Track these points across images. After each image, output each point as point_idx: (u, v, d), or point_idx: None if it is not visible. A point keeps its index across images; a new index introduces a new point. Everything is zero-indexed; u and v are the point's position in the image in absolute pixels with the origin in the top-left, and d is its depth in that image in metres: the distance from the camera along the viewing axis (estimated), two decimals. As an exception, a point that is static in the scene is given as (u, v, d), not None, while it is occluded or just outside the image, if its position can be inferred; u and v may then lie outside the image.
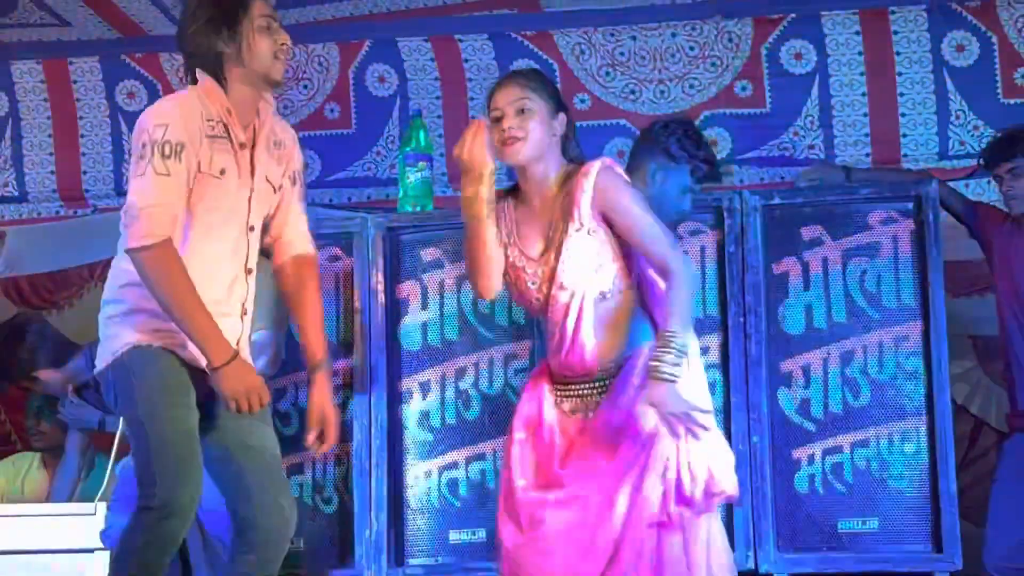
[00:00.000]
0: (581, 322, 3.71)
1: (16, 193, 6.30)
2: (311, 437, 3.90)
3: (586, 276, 3.71)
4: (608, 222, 3.73)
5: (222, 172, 3.70)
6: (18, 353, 5.81)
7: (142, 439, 3.69)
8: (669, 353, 3.55)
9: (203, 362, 3.67)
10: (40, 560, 4.84)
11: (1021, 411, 4.86)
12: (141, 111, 5.89)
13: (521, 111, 3.81)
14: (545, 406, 3.77)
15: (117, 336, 3.74)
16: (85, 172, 6.28)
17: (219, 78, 3.74)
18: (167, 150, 3.57)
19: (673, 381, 3.53)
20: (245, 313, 3.83)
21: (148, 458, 3.66)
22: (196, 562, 4.73)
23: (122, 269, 3.72)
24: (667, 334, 3.58)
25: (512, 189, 3.87)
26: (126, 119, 6.18)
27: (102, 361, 3.78)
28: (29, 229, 6.26)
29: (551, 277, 3.74)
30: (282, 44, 3.78)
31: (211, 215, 3.73)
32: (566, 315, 3.72)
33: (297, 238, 3.96)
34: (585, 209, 3.71)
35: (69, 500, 5.42)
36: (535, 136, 3.80)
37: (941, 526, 4.64)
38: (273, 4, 3.85)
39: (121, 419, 3.91)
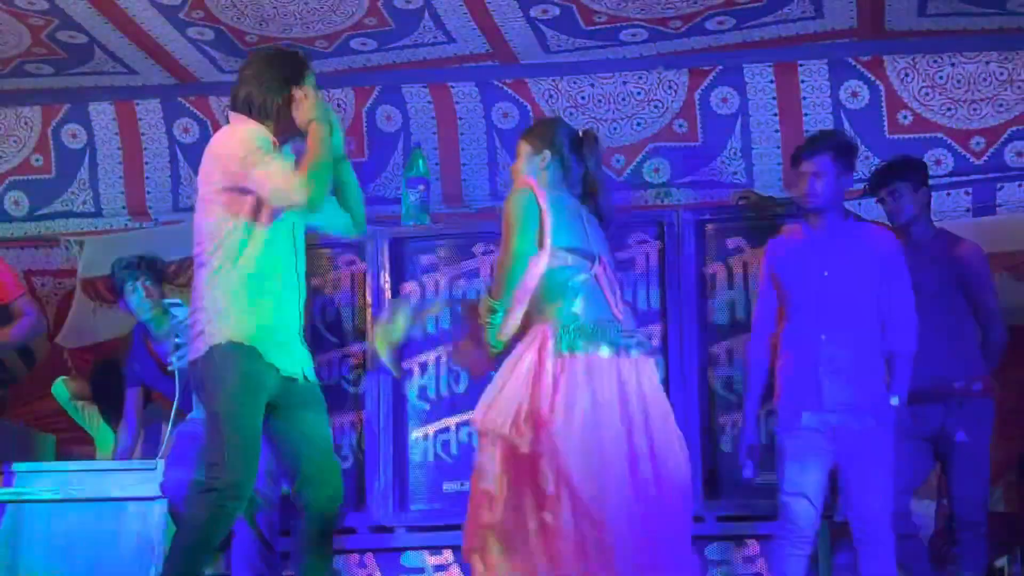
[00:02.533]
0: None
1: (93, 209, 6.31)
2: None
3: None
4: None
5: None
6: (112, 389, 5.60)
7: (214, 427, 3.69)
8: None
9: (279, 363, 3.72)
10: (112, 506, 4.79)
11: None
12: (195, 143, 5.97)
13: (516, 156, 3.99)
14: None
15: (212, 331, 3.70)
16: (149, 192, 6.30)
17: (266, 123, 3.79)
18: (268, 147, 3.68)
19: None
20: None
21: (220, 448, 3.66)
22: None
23: (215, 277, 3.71)
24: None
25: None
26: (182, 149, 6.24)
27: (195, 352, 3.74)
28: (103, 239, 6.23)
29: None
30: (328, 109, 3.86)
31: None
32: None
33: None
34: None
35: (131, 454, 5.32)
36: (520, 175, 3.93)
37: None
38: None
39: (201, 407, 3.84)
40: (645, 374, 3.81)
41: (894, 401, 4.26)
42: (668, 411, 3.86)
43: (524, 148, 3.97)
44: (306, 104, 3.76)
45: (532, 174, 3.90)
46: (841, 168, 4.38)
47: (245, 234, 3.69)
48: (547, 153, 3.91)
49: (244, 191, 3.67)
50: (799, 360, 4.33)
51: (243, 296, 3.70)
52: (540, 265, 3.78)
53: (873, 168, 5.08)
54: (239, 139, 3.72)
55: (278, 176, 3.63)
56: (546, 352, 3.70)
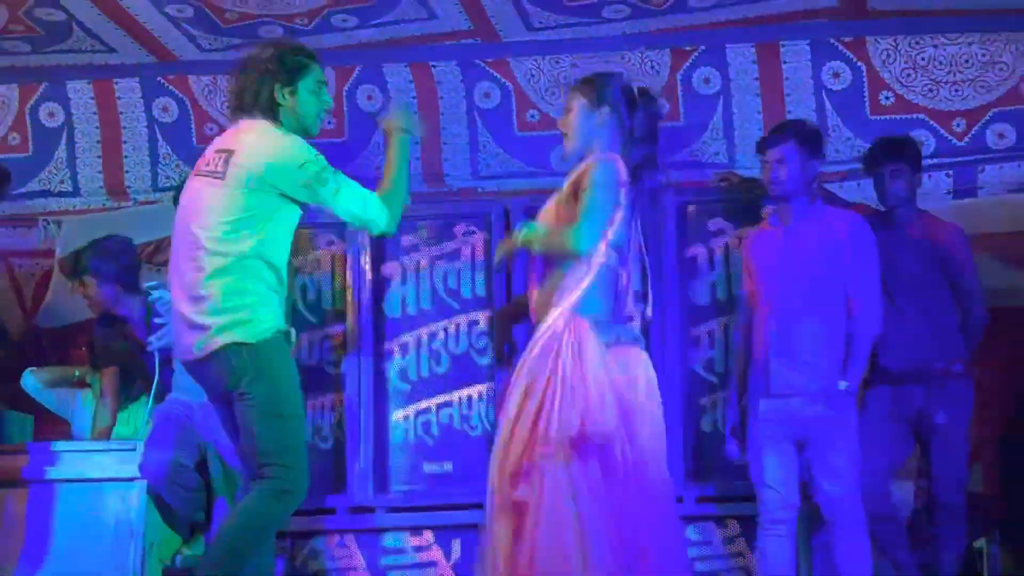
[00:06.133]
0: (532, 271, 3.73)
1: (71, 188, 6.25)
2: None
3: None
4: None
5: None
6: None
7: (283, 428, 3.65)
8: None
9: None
10: (91, 487, 4.81)
11: (880, 367, 4.77)
12: (174, 122, 6.03)
13: (567, 111, 3.78)
14: None
15: (260, 317, 3.66)
16: (127, 172, 6.24)
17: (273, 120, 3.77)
18: (331, 167, 3.71)
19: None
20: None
21: (287, 447, 3.65)
22: (217, 487, 4.77)
23: (258, 254, 3.66)
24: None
25: None
26: (161, 129, 6.20)
27: (236, 335, 3.63)
28: (81, 218, 6.18)
29: None
30: (325, 107, 3.85)
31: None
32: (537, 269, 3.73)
33: None
34: (567, 185, 3.68)
35: (109, 435, 5.17)
36: (573, 131, 3.75)
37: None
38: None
39: (244, 396, 3.70)
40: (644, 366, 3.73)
41: (842, 385, 4.29)
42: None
43: (578, 101, 3.76)
44: (397, 112, 3.85)
45: (588, 132, 3.74)
46: (806, 155, 4.45)
47: (281, 228, 3.72)
48: (604, 110, 3.73)
49: (297, 200, 3.69)
50: (759, 349, 4.44)
51: (276, 286, 3.72)
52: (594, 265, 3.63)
53: (855, 150, 5.16)
54: (299, 149, 3.69)
55: (358, 200, 3.70)
56: (588, 344, 3.55)
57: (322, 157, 3.69)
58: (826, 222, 4.45)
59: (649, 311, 3.84)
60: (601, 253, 3.62)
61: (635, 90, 3.81)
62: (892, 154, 4.84)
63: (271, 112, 3.73)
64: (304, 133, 3.79)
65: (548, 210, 3.79)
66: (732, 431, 4.50)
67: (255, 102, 3.74)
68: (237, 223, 3.63)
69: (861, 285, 4.38)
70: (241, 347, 3.61)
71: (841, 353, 4.34)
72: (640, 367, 3.68)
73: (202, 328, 3.65)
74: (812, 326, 4.35)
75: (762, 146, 4.53)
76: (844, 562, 4.31)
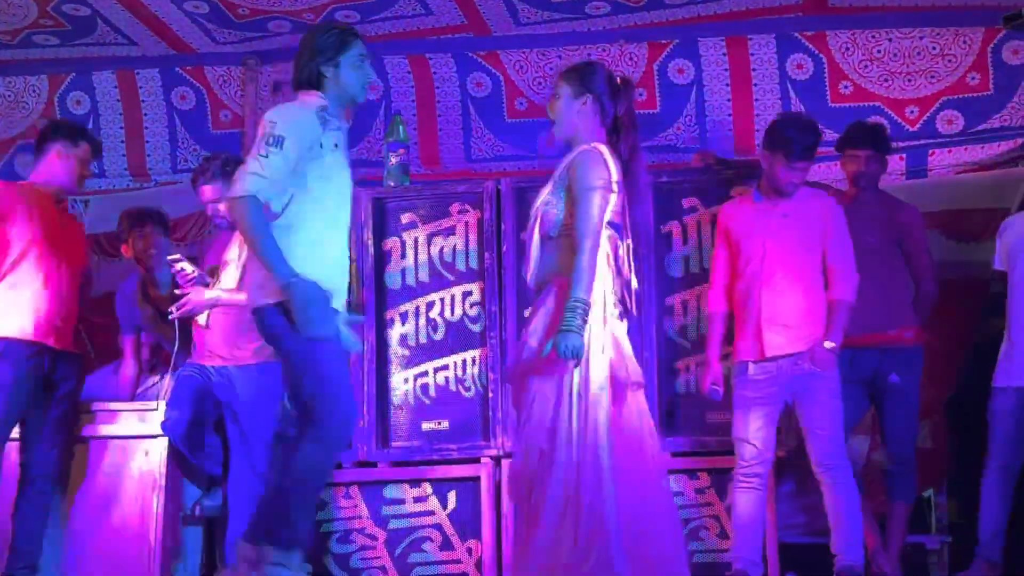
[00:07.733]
0: (530, 247, 3.81)
1: (97, 170, 6.13)
2: None
3: (541, 214, 3.76)
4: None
5: (335, 147, 3.78)
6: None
7: (323, 386, 3.66)
8: (568, 312, 3.58)
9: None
10: (119, 442, 4.91)
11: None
12: (191, 110, 6.01)
13: (554, 97, 3.84)
14: None
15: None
16: (148, 155, 6.31)
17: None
18: (283, 145, 3.65)
19: (568, 331, 3.55)
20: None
21: (328, 401, 3.66)
22: (232, 443, 4.77)
23: (289, 222, 3.69)
24: (569, 300, 3.60)
25: None
26: (180, 116, 6.27)
27: (270, 297, 3.67)
28: (106, 197, 6.22)
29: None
30: (368, 78, 3.89)
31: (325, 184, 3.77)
32: (529, 241, 3.82)
33: None
34: (560, 173, 3.75)
35: (131, 399, 5.21)
36: (560, 117, 3.81)
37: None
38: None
39: (281, 352, 3.74)
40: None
41: (828, 345, 4.44)
42: None
43: (564, 89, 3.83)
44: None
45: (572, 119, 3.80)
46: None
47: (309, 198, 3.76)
48: (588, 97, 3.79)
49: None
50: (746, 314, 4.53)
51: (308, 251, 3.74)
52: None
53: (857, 129, 5.04)
54: (278, 115, 3.75)
55: (249, 165, 3.66)
56: (598, 320, 3.64)
57: (289, 140, 3.62)
58: (805, 201, 4.56)
59: (635, 282, 3.90)
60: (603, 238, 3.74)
61: (617, 79, 3.88)
62: (871, 141, 4.90)
63: (317, 86, 3.80)
64: (351, 102, 3.87)
65: (543, 195, 3.85)
66: (713, 383, 4.57)
67: (302, 78, 3.82)
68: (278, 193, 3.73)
69: (840, 258, 4.52)
70: (274, 307, 3.68)
71: (821, 318, 4.47)
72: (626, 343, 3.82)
73: (248, 289, 3.82)
74: (798, 296, 4.48)
75: (800, 155, 4.46)
76: (836, 503, 4.41)
